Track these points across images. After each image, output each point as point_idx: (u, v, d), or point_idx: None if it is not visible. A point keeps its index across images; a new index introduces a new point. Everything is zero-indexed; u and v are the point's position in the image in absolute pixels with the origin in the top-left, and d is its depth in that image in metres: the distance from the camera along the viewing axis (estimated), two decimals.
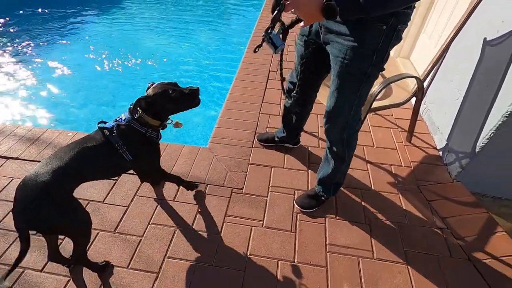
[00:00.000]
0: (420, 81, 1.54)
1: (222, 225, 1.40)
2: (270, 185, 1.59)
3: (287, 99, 1.53)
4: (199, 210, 1.45)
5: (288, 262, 1.27)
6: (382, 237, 1.37)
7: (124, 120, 1.16)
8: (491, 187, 1.66)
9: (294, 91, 1.44)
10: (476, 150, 1.53)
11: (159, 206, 1.47)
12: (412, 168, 1.72)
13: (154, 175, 1.43)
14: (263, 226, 1.40)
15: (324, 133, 1.26)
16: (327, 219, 1.44)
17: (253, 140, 1.87)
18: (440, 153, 1.81)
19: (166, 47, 3.56)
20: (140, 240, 1.33)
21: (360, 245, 1.34)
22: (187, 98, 1.18)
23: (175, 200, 1.50)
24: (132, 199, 1.50)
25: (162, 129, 1.25)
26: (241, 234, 1.36)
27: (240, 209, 1.47)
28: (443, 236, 1.39)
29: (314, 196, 1.47)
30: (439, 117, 1.87)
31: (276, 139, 1.75)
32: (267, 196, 1.53)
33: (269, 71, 2.56)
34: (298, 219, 1.44)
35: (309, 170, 1.68)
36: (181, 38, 3.78)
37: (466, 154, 1.61)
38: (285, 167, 1.69)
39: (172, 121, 1.24)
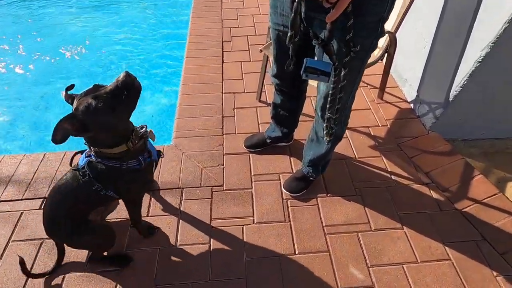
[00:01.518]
0: (392, 35, 1.43)
1: (210, 232, 1.25)
2: (253, 174, 1.46)
3: (276, 95, 1.34)
4: (180, 221, 1.28)
5: (289, 256, 1.19)
6: (375, 205, 1.34)
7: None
8: (462, 131, 1.70)
9: (284, 86, 1.25)
10: (450, 99, 1.52)
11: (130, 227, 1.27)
12: (389, 126, 1.69)
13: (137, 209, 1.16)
14: (255, 222, 1.29)
15: (319, 114, 1.11)
16: (318, 199, 1.37)
17: (223, 126, 1.67)
18: (412, 105, 1.80)
19: (93, 31, 2.99)
20: (118, 271, 1.14)
21: (356, 219, 1.30)
22: (121, 94, 0.80)
23: (149, 215, 1.30)
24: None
25: (138, 149, 0.91)
26: (233, 237, 1.24)
27: (226, 208, 1.33)
28: (429, 191, 1.40)
29: (302, 178, 1.37)
30: (406, 69, 1.83)
31: (268, 140, 1.52)
32: (251, 188, 1.40)
33: (222, 41, 2.28)
34: (289, 205, 1.34)
35: (291, 150, 1.56)
36: (110, 16, 3.21)
37: (439, 104, 1.61)
38: (264, 151, 1.55)
39: (145, 127, 0.94)
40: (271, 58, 1.31)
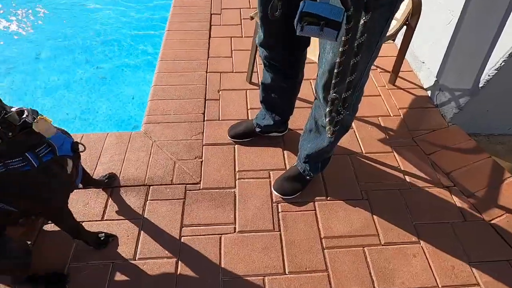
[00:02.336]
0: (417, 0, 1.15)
1: (179, 243, 1.00)
2: (237, 170, 1.19)
3: (265, 73, 1.06)
4: (143, 227, 1.03)
5: (277, 275, 0.94)
6: (386, 212, 1.09)
7: None
8: (486, 124, 1.45)
9: (274, 58, 0.98)
10: (480, 85, 1.25)
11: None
12: (402, 116, 1.43)
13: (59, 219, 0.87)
14: (236, 231, 1.03)
15: (321, 96, 0.84)
16: (316, 203, 1.11)
17: (204, 111, 1.40)
18: (429, 93, 1.53)
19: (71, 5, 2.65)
20: None
21: (362, 230, 1.05)
22: None
23: (104, 218, 1.04)
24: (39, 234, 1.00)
25: (19, 142, 0.65)
26: (207, 249, 0.98)
27: (201, 212, 1.07)
28: (451, 196, 1.15)
29: (297, 177, 1.11)
30: (424, 49, 1.55)
31: (257, 129, 1.24)
32: (234, 187, 1.14)
33: (211, 14, 1.97)
34: (280, 210, 1.09)
35: (284, 142, 1.30)
36: None
37: (464, 92, 1.34)
38: (252, 142, 1.28)
39: (27, 111, 0.67)
40: (257, 20, 1.03)
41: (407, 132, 1.36)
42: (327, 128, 0.72)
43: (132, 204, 1.07)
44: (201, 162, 1.21)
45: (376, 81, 1.58)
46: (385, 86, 1.57)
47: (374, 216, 1.08)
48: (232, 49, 1.73)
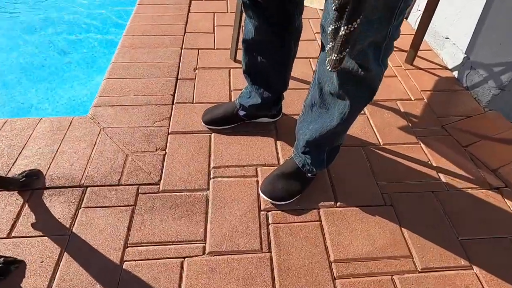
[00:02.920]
0: None
1: (120, 270, 0.67)
2: (212, 166, 0.88)
3: (247, 23, 0.76)
4: (67, 249, 0.70)
5: None
6: (418, 223, 0.78)
7: None
8: None
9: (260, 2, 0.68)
10: None
11: None
12: (425, 100, 1.13)
13: None
14: (206, 252, 0.71)
15: (329, 28, 0.53)
16: (322, 211, 0.80)
17: (174, 92, 1.09)
18: (455, 73, 1.24)
19: None
20: None
21: (388, 250, 0.73)
22: None
23: (11, 235, 0.71)
24: None
25: None
26: (160, 281, 0.66)
27: (157, 225, 0.74)
28: (504, 200, 0.85)
29: (293, 174, 0.80)
30: (449, 22, 1.27)
31: (241, 112, 0.93)
32: (207, 189, 0.82)
33: None
34: (271, 222, 0.77)
35: (277, 131, 0.99)
36: None
37: (507, 67, 1.06)
38: (234, 130, 0.97)
39: None
40: None
41: (435, 119, 1.06)
42: (327, 59, 0.44)
43: (57, 214, 0.74)
44: (164, 155, 0.89)
45: (391, 61, 1.28)
46: (401, 66, 1.28)
47: (403, 229, 0.77)
48: (215, 25, 1.43)
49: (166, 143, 0.92)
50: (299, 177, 0.80)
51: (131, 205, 0.77)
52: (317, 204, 0.80)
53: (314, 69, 1.24)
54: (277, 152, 0.92)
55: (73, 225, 0.72)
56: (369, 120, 1.04)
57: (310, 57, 1.28)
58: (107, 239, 0.71)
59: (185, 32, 1.37)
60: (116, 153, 0.88)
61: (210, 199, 0.80)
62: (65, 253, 0.68)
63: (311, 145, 0.74)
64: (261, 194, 0.80)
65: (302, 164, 0.78)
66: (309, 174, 0.80)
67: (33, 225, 0.72)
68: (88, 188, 0.80)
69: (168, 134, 0.94)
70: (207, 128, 0.96)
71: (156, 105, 1.03)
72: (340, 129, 0.67)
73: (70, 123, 0.95)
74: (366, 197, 0.83)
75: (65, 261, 0.67)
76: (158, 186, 0.82)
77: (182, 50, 1.27)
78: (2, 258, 0.64)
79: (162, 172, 0.84)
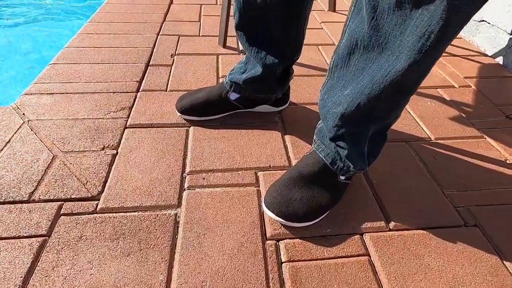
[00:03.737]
0: None
1: None
2: (187, 170, 0.57)
3: None
4: None
5: None
6: None
7: None
8: None
9: None
10: None
11: None
12: (475, 87, 0.87)
13: None
14: None
15: None
16: (367, 238, 0.48)
17: (142, 79, 0.81)
18: (499, 59, 1.01)
19: None
20: None
21: None
22: None
23: None
24: None
25: None
26: None
27: (80, 273, 0.41)
28: None
29: (317, 177, 0.49)
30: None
31: (233, 96, 0.65)
32: (178, 205, 0.51)
33: None
34: (284, 260, 0.44)
35: (284, 122, 0.70)
36: None
37: None
38: (222, 123, 0.68)
39: None
40: None
41: (494, 109, 0.79)
42: None
43: None
44: (114, 156, 0.58)
45: None
46: None
47: (505, 263, 0.46)
48: (202, 15, 1.20)
49: (120, 139, 0.61)
50: (327, 181, 0.49)
51: (41, 235, 0.45)
52: (359, 227, 0.49)
53: (324, 56, 0.99)
54: (286, 150, 0.62)
55: None
56: (407, 110, 0.77)
57: (319, 44, 1.03)
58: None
59: (164, 21, 1.13)
60: (37, 154, 0.57)
61: (181, 222, 0.48)
62: None
63: (348, 122, 0.44)
64: (266, 211, 0.49)
65: (332, 160, 0.49)
66: (342, 177, 0.50)
67: None
68: None
69: (125, 127, 0.64)
70: (184, 119, 0.67)
71: (114, 92, 0.74)
72: (411, 78, 0.38)
73: None
74: (434, 214, 0.52)
75: None
76: (96, 202, 0.50)
77: (159, 36, 1.01)
78: None
79: (106, 181, 0.53)
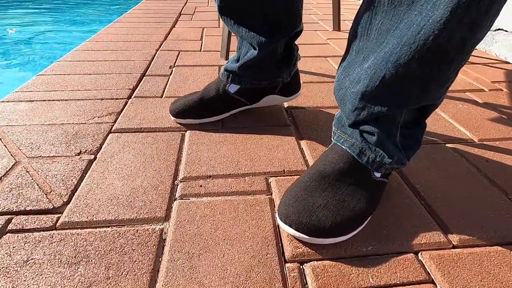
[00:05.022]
0: None
1: None
2: (180, 177, 0.45)
3: None
4: None
5: None
6: None
7: None
8: None
9: None
10: None
11: None
12: (507, 91, 0.78)
13: None
14: None
15: None
16: (426, 259, 0.34)
17: (136, 86, 0.73)
18: None
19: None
20: None
21: None
22: None
23: None
24: None
25: None
26: None
27: None
28: None
29: (345, 175, 0.37)
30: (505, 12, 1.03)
31: (233, 88, 0.55)
32: (165, 218, 0.39)
33: (180, 13, 1.51)
34: None
35: (295, 121, 0.60)
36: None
37: None
38: (224, 127, 0.58)
39: None
40: None
41: None
42: None
43: None
44: (90, 162, 0.47)
45: None
46: None
47: None
48: (204, 35, 1.17)
49: (102, 144, 0.51)
50: (358, 180, 0.37)
51: None
52: (412, 243, 0.36)
53: (333, 65, 0.93)
54: (302, 152, 0.51)
55: None
56: (437, 112, 0.67)
57: (327, 56, 0.97)
58: None
59: (165, 40, 1.10)
60: None
61: (168, 240, 0.35)
62: None
63: (372, 103, 0.35)
64: (282, 225, 0.36)
65: (359, 150, 0.37)
66: (377, 174, 0.38)
67: None
68: None
69: (110, 132, 0.54)
70: (179, 123, 0.57)
71: (103, 99, 0.66)
72: (452, 38, 0.28)
73: None
74: (507, 225, 0.39)
75: None
76: (58, 216, 0.38)
77: (158, 52, 0.96)
78: None
79: (75, 190, 0.41)
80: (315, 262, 0.33)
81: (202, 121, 0.56)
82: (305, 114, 0.63)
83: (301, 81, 0.60)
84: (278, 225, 0.37)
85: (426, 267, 0.33)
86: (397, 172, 0.47)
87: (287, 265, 0.33)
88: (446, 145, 0.55)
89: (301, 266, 0.33)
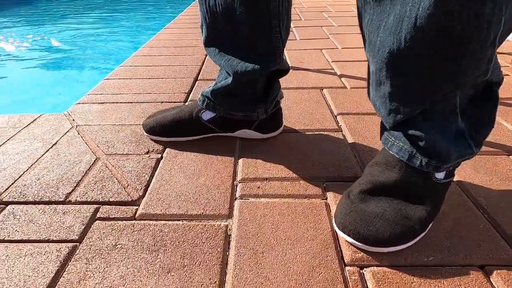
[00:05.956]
0: None
1: None
2: (239, 177, 0.49)
3: None
4: None
5: None
6: None
7: None
8: None
9: None
10: None
11: None
12: None
13: None
14: None
15: None
16: (494, 276, 0.33)
17: (190, 90, 0.78)
18: None
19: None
20: None
21: None
22: None
23: None
24: None
25: None
26: None
27: (117, 279, 0.34)
28: None
29: (398, 181, 0.37)
30: None
31: (206, 115, 0.55)
32: (229, 216, 0.42)
33: None
34: None
35: (346, 124, 0.61)
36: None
37: None
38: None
39: None
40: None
41: None
42: None
43: None
44: (158, 160, 0.52)
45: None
46: (508, 66, 0.91)
47: None
48: None
49: (166, 145, 0.56)
50: (415, 186, 0.37)
51: (72, 241, 0.38)
52: (476, 257, 0.35)
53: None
54: (356, 158, 0.52)
55: None
56: (500, 122, 0.63)
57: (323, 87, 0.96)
58: None
59: None
60: (81, 156, 0.53)
61: (234, 236, 0.38)
62: None
63: (405, 101, 0.35)
64: (340, 234, 0.37)
65: (408, 155, 0.37)
66: (439, 175, 0.37)
67: None
68: (8, 207, 0.43)
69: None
70: (151, 139, 0.57)
71: (163, 102, 0.72)
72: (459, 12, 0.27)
73: (34, 120, 0.65)
74: None
75: None
76: (136, 208, 0.43)
77: (207, 57, 1.02)
78: None
79: (148, 185, 0.46)
80: (375, 267, 0.34)
81: (173, 140, 0.56)
82: (356, 119, 0.63)
83: (283, 121, 0.55)
84: (335, 231, 0.39)
85: (493, 283, 0.32)
86: (458, 185, 0.46)
87: (347, 268, 0.34)
88: (510, 156, 0.52)
89: (361, 271, 0.34)
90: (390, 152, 0.39)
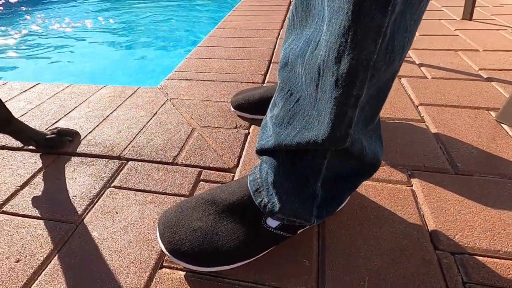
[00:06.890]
0: None
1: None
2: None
3: None
4: (67, 245, 0.39)
5: None
6: None
7: None
8: None
9: None
10: None
11: None
12: None
13: None
14: None
15: None
16: None
17: (266, 72, 0.82)
18: None
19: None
20: None
21: None
22: None
23: (1, 210, 0.45)
24: None
25: None
26: None
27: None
28: None
29: (233, 208, 0.35)
30: None
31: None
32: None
33: (290, 2, 1.56)
34: (467, 280, 0.34)
35: (432, 117, 0.59)
36: None
37: None
38: None
39: None
40: None
41: None
42: None
43: (75, 190, 0.46)
44: (246, 135, 0.57)
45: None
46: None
47: None
48: None
49: (251, 123, 0.61)
50: (246, 221, 0.34)
51: (184, 195, 0.45)
52: None
53: (466, 60, 0.85)
54: (442, 150, 0.51)
55: (88, 211, 0.43)
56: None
57: (457, 50, 0.89)
58: (131, 243, 0.38)
59: (281, 27, 1.17)
60: (179, 125, 0.60)
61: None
62: (58, 255, 0.37)
63: (278, 124, 0.31)
64: (157, 232, 0.37)
65: (256, 188, 0.34)
66: (272, 222, 0.34)
67: (35, 200, 0.45)
68: (129, 162, 0.51)
69: None
70: (238, 116, 0.62)
71: (242, 82, 0.76)
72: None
73: (135, 91, 0.74)
74: None
75: (49, 271, 0.36)
76: (232, 174, 0.48)
77: (278, 40, 1.04)
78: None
79: (240, 156, 0.52)
80: (467, 255, 0.35)
81: (257, 117, 0.59)
82: (440, 111, 0.61)
83: None
84: (424, 215, 0.40)
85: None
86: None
87: (438, 252, 0.36)
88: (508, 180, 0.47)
89: (452, 256, 0.35)
90: (248, 177, 0.36)
